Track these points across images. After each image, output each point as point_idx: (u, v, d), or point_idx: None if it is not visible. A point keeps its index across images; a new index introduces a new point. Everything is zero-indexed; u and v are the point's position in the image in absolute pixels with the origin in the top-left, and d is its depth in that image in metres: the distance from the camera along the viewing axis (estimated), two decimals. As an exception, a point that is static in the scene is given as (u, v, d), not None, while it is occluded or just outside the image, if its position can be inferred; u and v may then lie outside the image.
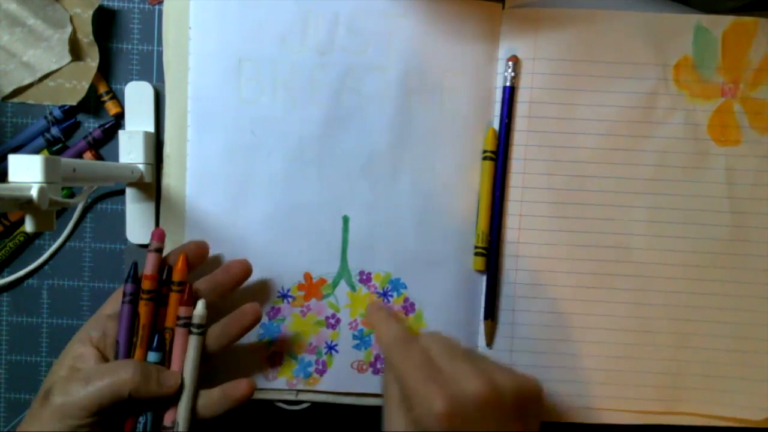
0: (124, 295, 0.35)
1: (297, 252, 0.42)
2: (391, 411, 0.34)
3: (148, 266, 0.36)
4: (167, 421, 0.35)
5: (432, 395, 0.31)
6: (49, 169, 0.28)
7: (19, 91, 0.42)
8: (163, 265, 0.36)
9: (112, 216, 0.43)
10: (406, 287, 0.42)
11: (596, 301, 0.42)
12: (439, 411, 0.30)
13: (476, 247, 0.42)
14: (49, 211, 0.29)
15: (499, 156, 0.41)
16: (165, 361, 0.35)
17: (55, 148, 0.43)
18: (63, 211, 0.43)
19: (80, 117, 0.43)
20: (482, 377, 0.31)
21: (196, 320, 0.36)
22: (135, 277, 0.35)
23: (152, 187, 0.42)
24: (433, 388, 0.31)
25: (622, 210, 0.42)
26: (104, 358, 0.35)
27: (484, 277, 0.42)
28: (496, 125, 0.42)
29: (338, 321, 0.42)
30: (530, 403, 0.33)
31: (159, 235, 0.36)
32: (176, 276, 0.36)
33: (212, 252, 0.41)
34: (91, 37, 0.41)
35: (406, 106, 0.41)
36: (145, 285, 0.35)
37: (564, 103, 0.41)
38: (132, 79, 0.42)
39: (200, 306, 0.36)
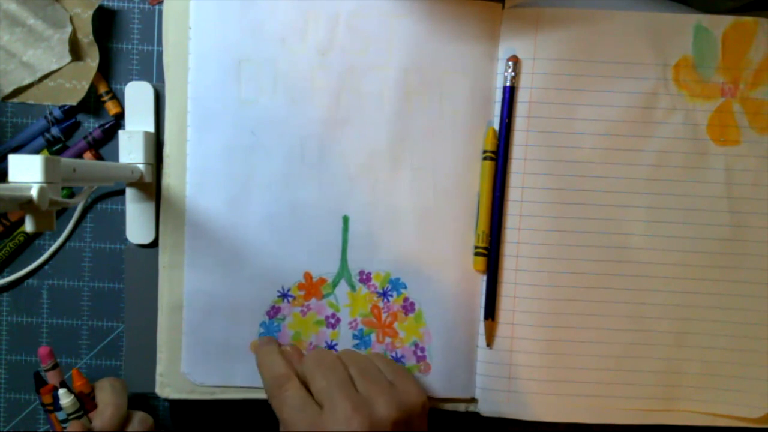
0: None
1: (297, 251, 0.42)
2: None
3: (49, 382, 0.39)
4: None
5: None
6: (49, 169, 0.28)
7: (19, 91, 0.42)
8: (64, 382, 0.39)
9: (112, 216, 0.43)
10: (406, 287, 0.42)
11: (596, 301, 0.42)
12: None
13: (476, 247, 0.42)
14: (49, 211, 0.29)
15: (499, 156, 0.41)
16: None
17: (55, 148, 0.43)
18: (63, 211, 0.43)
19: (80, 117, 0.43)
20: (360, 414, 0.32)
21: (68, 411, 0.37)
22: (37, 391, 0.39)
23: (152, 187, 0.42)
24: None
25: (621, 210, 0.42)
26: None
27: (484, 277, 0.42)
28: (496, 125, 0.42)
29: (338, 320, 0.42)
30: (413, 419, 0.34)
31: (44, 356, 0.39)
32: (45, 399, 0.38)
33: (213, 251, 0.41)
34: (91, 37, 0.41)
35: (405, 106, 0.41)
36: (45, 400, 0.38)
37: (564, 103, 0.41)
38: (132, 79, 0.42)
39: (63, 395, 0.38)
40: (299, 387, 0.35)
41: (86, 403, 0.38)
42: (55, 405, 0.38)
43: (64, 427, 0.37)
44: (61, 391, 0.38)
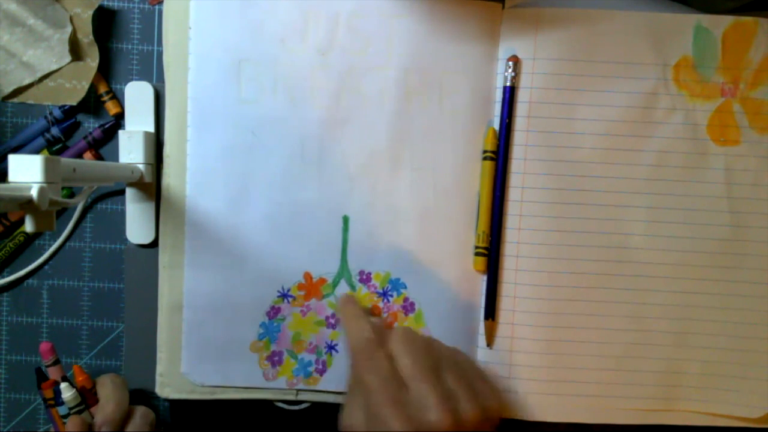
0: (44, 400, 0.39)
1: (297, 252, 0.42)
2: (352, 410, 0.35)
3: (50, 377, 0.39)
4: None
5: (391, 419, 0.31)
6: (49, 169, 0.28)
7: (19, 91, 0.42)
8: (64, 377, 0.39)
9: (112, 216, 0.43)
10: (406, 287, 0.42)
11: (596, 301, 0.42)
12: None
13: (476, 247, 0.42)
14: (49, 211, 0.29)
15: (499, 156, 0.41)
16: None
17: (55, 148, 0.43)
18: (63, 211, 0.43)
19: (80, 117, 0.43)
20: (444, 407, 0.32)
21: (70, 404, 0.38)
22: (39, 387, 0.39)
23: (152, 187, 0.42)
24: (394, 412, 0.31)
25: (622, 210, 0.42)
26: None
27: (484, 277, 0.42)
28: (496, 125, 0.42)
29: (338, 321, 0.42)
30: (488, 428, 0.34)
31: (46, 351, 0.39)
32: (47, 394, 0.39)
33: (213, 251, 0.41)
34: (91, 37, 0.41)
35: (406, 106, 0.41)
36: (47, 394, 0.39)
37: (564, 103, 0.41)
38: (132, 79, 0.42)
39: (65, 389, 0.38)
40: (389, 358, 0.35)
41: (88, 398, 0.39)
42: (57, 400, 0.38)
43: (65, 422, 0.37)
44: (63, 385, 0.38)
